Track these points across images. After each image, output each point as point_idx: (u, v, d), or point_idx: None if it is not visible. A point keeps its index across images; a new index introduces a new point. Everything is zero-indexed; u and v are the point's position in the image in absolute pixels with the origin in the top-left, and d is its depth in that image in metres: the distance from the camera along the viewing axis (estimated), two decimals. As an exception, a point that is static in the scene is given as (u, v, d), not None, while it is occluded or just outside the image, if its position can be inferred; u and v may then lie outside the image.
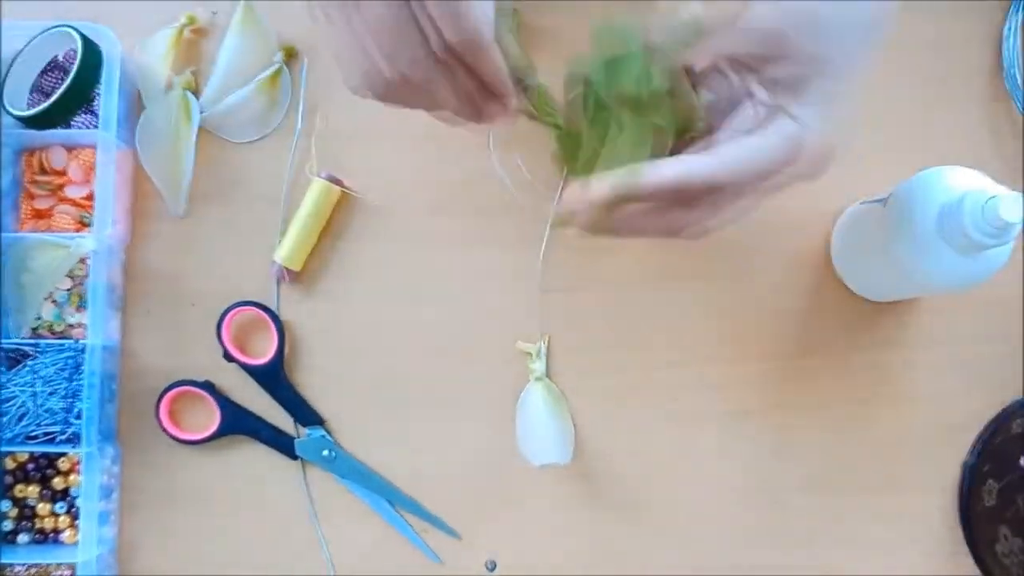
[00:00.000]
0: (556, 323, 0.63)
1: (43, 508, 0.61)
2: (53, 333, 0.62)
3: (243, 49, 0.64)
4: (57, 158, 0.63)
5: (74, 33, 0.62)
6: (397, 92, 0.45)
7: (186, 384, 0.63)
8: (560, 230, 0.63)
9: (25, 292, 0.60)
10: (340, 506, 0.63)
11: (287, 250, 0.63)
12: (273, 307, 0.64)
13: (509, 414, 0.63)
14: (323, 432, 0.63)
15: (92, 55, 0.62)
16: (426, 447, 0.63)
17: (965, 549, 0.63)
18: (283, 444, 0.63)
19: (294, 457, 0.63)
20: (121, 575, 0.62)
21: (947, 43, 0.66)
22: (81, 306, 0.62)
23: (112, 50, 0.62)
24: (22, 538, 0.61)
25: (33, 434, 0.60)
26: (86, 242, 0.60)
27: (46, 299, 0.62)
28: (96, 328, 0.60)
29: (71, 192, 0.63)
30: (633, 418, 0.63)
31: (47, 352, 0.60)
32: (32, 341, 0.61)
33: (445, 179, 0.64)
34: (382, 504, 0.63)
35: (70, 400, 0.60)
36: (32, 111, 0.62)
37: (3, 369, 0.60)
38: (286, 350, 0.63)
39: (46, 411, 0.60)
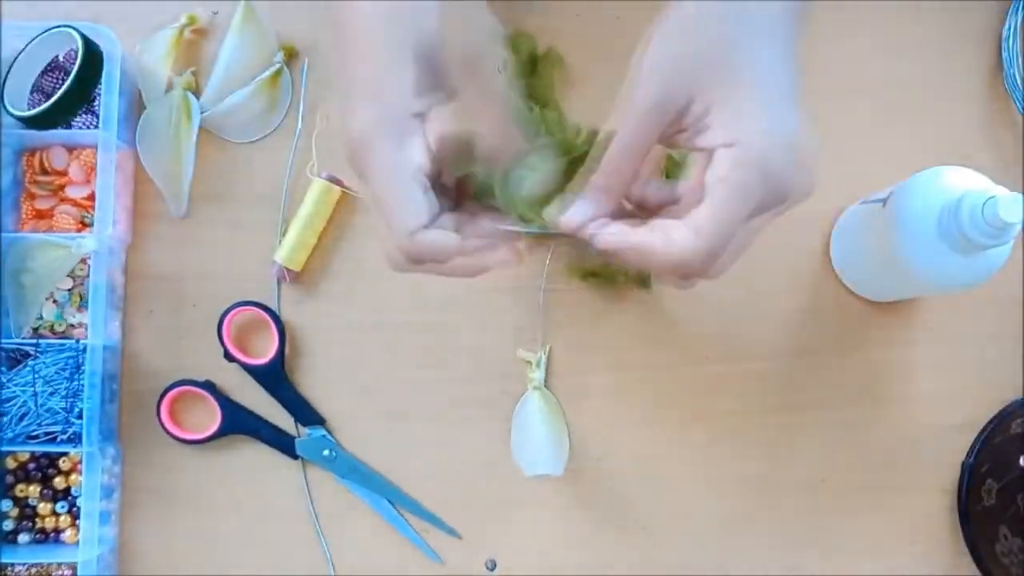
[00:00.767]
0: (556, 322, 0.63)
1: (44, 508, 0.61)
2: (54, 333, 0.62)
3: (243, 49, 0.64)
4: (58, 158, 0.63)
5: (75, 33, 0.62)
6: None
7: (187, 384, 0.63)
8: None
9: (26, 292, 0.60)
10: (340, 506, 0.63)
11: (288, 250, 0.63)
12: (274, 307, 0.64)
13: (509, 415, 0.63)
14: (323, 432, 0.63)
15: (93, 55, 0.62)
16: (426, 447, 0.63)
17: (965, 549, 0.63)
18: (283, 444, 0.63)
19: (294, 457, 0.63)
20: (121, 575, 0.62)
21: (947, 43, 0.66)
22: (82, 306, 0.62)
23: (113, 50, 0.62)
24: (23, 538, 0.62)
25: (34, 434, 0.60)
26: (87, 242, 0.60)
27: (47, 299, 0.62)
28: (97, 328, 0.60)
29: (72, 192, 0.63)
30: (633, 418, 0.63)
31: (48, 352, 0.60)
32: (33, 341, 0.61)
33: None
34: (382, 504, 0.63)
35: (71, 400, 0.60)
36: (33, 111, 0.62)
37: (4, 369, 0.60)
38: (287, 350, 0.63)
39: (47, 411, 0.60)
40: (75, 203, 0.63)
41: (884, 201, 0.55)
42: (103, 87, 0.61)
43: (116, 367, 0.63)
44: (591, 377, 0.63)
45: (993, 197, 0.47)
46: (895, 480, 0.63)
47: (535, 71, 0.62)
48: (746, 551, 0.63)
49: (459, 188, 0.48)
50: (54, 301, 0.62)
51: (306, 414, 0.63)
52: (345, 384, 0.64)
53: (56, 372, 0.60)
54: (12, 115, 0.62)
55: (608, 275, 0.62)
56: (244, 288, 0.64)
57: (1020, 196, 0.47)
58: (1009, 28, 0.65)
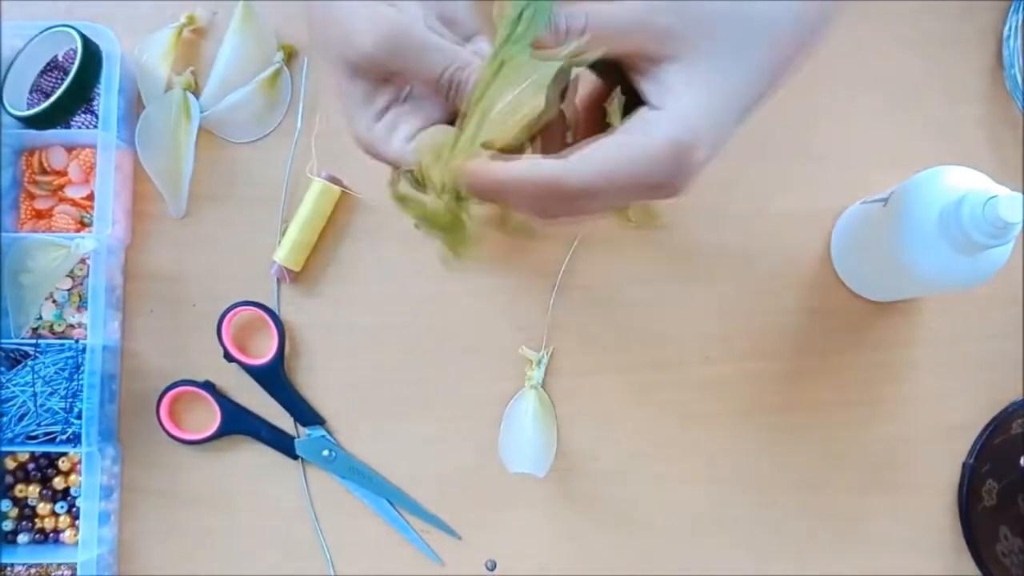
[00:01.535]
0: (556, 322, 0.63)
1: (43, 508, 0.61)
2: (53, 333, 0.62)
3: (243, 49, 0.64)
4: (57, 158, 0.63)
5: (74, 33, 0.61)
6: None
7: (186, 384, 0.63)
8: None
9: (25, 292, 0.60)
10: (340, 506, 0.63)
11: (287, 250, 0.63)
12: (273, 307, 0.64)
13: (509, 414, 0.63)
14: (323, 432, 0.63)
15: (92, 55, 0.62)
16: (426, 447, 0.63)
17: (965, 549, 0.63)
18: (283, 444, 0.63)
19: (294, 457, 0.63)
20: (121, 575, 0.62)
21: (947, 43, 0.66)
22: (81, 306, 0.62)
23: (112, 50, 0.62)
24: (22, 538, 0.61)
25: (33, 434, 0.60)
26: (86, 242, 0.60)
27: (46, 299, 0.62)
28: (96, 328, 0.60)
29: (71, 192, 0.63)
30: (633, 419, 0.63)
31: (47, 352, 0.60)
32: (32, 341, 0.61)
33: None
34: (382, 504, 0.63)
35: (70, 400, 0.60)
36: (32, 111, 0.62)
37: (3, 369, 0.60)
38: (286, 350, 0.63)
39: (46, 411, 0.60)
40: (74, 203, 0.63)
41: (885, 201, 0.55)
42: (102, 87, 0.61)
43: (115, 367, 0.63)
44: (590, 377, 0.63)
45: (994, 197, 0.47)
46: (895, 480, 0.63)
47: None
48: (747, 551, 0.63)
49: None
50: (53, 301, 0.62)
51: (306, 414, 0.63)
52: (345, 384, 0.63)
53: (55, 372, 0.60)
54: (11, 115, 0.62)
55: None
56: (243, 288, 0.64)
57: (1021, 196, 0.47)
58: (1010, 27, 0.65)
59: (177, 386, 0.63)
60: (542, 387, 0.63)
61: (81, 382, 0.59)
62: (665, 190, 0.41)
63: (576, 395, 0.63)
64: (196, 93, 0.65)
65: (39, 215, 0.63)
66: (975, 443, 0.63)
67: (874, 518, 0.63)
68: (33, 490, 0.61)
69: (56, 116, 0.62)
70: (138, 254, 0.64)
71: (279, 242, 0.63)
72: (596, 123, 0.45)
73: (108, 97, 0.61)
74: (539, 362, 0.63)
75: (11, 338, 0.60)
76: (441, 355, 0.64)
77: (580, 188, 0.40)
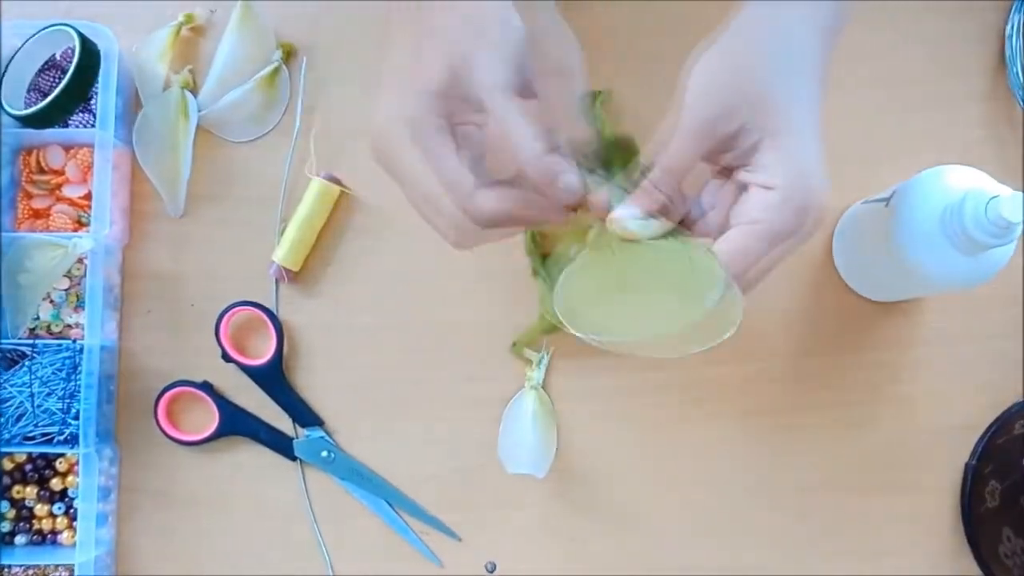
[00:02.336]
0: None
1: (41, 509, 0.61)
2: (51, 333, 0.62)
3: (241, 47, 0.64)
4: (55, 157, 0.63)
5: (72, 32, 0.61)
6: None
7: (184, 384, 0.62)
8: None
9: (23, 292, 0.60)
10: (339, 507, 0.62)
11: (286, 250, 0.62)
12: (272, 307, 0.63)
13: (509, 415, 0.63)
14: (322, 433, 0.63)
15: (90, 54, 0.61)
16: (426, 448, 0.63)
17: (968, 550, 0.62)
18: (282, 445, 0.62)
19: (293, 458, 0.63)
20: (119, 576, 0.62)
21: (949, 42, 0.65)
22: (79, 306, 0.62)
23: (110, 49, 0.62)
24: (20, 539, 0.61)
25: (31, 435, 0.60)
26: (84, 242, 0.59)
27: (44, 299, 0.61)
28: (94, 328, 0.60)
29: (69, 191, 0.63)
30: (633, 420, 0.63)
31: (45, 352, 0.60)
32: (30, 341, 0.61)
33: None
34: (381, 505, 0.62)
35: (68, 401, 0.59)
36: (29, 110, 0.62)
37: (1, 369, 0.60)
38: (285, 350, 0.63)
39: (44, 412, 0.60)
40: (72, 202, 0.63)
41: (887, 200, 0.55)
42: (100, 86, 0.61)
43: (113, 367, 0.63)
44: (590, 378, 0.63)
45: (996, 196, 0.47)
46: (897, 481, 0.63)
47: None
48: (747, 551, 0.62)
49: None
50: (51, 301, 0.62)
51: (304, 415, 0.63)
52: (344, 385, 0.63)
53: (53, 373, 0.60)
54: (9, 114, 0.62)
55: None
56: (242, 288, 0.63)
57: (1022, 196, 0.46)
58: (1012, 26, 0.65)
59: (175, 387, 0.62)
60: (542, 387, 0.63)
61: (78, 382, 0.59)
62: (804, 237, 0.45)
63: (576, 395, 0.63)
64: (194, 92, 0.64)
65: (37, 214, 0.63)
66: (977, 444, 0.63)
67: (876, 519, 0.63)
68: (31, 491, 0.61)
69: (54, 115, 0.62)
70: (136, 254, 0.64)
71: (278, 242, 0.63)
72: None
73: (106, 96, 0.61)
74: (539, 362, 0.62)
75: (8, 338, 0.60)
76: (441, 355, 0.63)
77: (738, 277, 0.45)
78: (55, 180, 0.63)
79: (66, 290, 0.62)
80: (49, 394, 0.60)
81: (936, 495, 0.63)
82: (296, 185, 0.64)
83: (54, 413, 0.60)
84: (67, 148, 0.63)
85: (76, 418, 0.59)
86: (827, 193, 0.44)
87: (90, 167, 0.62)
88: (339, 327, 0.63)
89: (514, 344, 0.62)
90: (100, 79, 0.61)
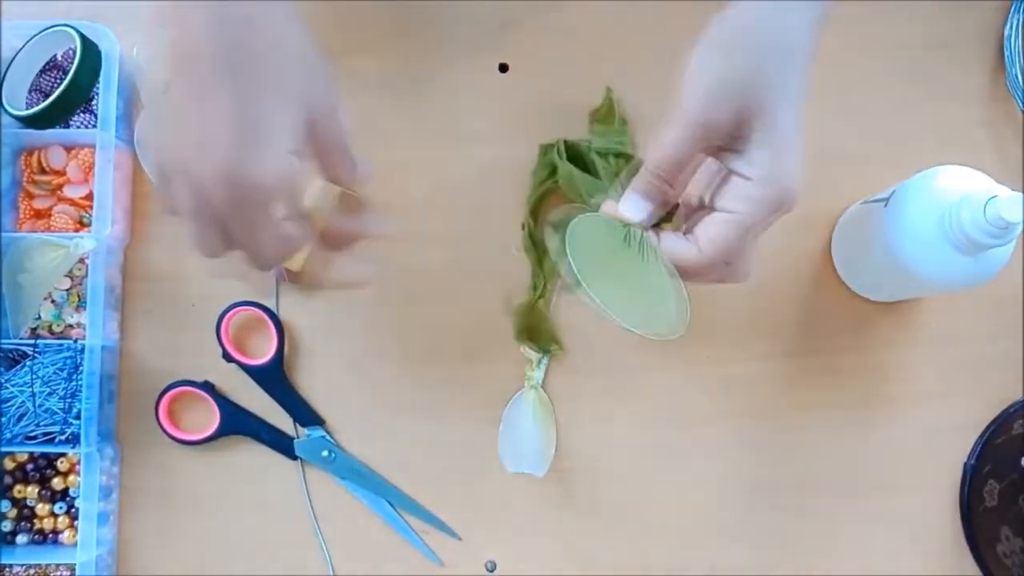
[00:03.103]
0: (555, 320, 0.63)
1: (42, 508, 0.61)
2: (52, 333, 0.62)
3: (242, 48, 0.64)
4: (56, 158, 0.63)
5: (73, 32, 0.61)
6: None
7: (185, 384, 0.63)
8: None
9: (24, 292, 0.60)
10: (340, 506, 0.63)
11: None
12: (272, 307, 0.63)
13: (509, 414, 0.63)
14: (323, 432, 0.63)
15: (91, 54, 0.61)
16: (426, 448, 0.63)
17: (966, 549, 0.62)
18: (283, 444, 0.63)
19: (294, 457, 0.63)
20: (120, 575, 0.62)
21: (948, 43, 0.66)
22: (80, 306, 0.62)
23: (111, 49, 0.62)
24: (21, 539, 0.61)
25: (32, 434, 0.60)
26: (85, 242, 0.59)
27: (45, 299, 0.62)
28: (95, 328, 0.60)
29: (70, 192, 0.63)
30: (633, 420, 0.63)
31: (46, 352, 0.60)
32: (31, 341, 0.61)
33: (446, 178, 0.64)
34: (382, 505, 0.62)
35: (69, 400, 0.60)
36: (31, 111, 0.62)
37: (2, 369, 0.60)
38: (286, 350, 0.63)
39: (45, 411, 0.60)
40: (73, 203, 0.63)
41: (886, 201, 0.55)
42: (101, 86, 0.61)
43: (114, 367, 0.63)
44: (590, 378, 0.63)
45: (994, 197, 0.47)
46: (896, 480, 0.63)
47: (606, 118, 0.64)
48: (746, 551, 0.63)
49: None
50: (52, 301, 0.62)
51: (305, 414, 0.63)
52: (344, 384, 0.63)
53: (54, 372, 0.60)
54: (10, 114, 0.62)
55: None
56: (243, 288, 0.63)
57: (1021, 196, 0.47)
58: (1011, 27, 0.65)
59: (176, 386, 0.62)
60: (542, 387, 0.63)
61: (80, 382, 0.59)
62: (775, 216, 0.46)
63: (576, 395, 0.63)
64: (195, 93, 0.64)
65: (38, 215, 0.63)
66: (976, 443, 0.63)
67: (875, 518, 0.63)
68: (32, 491, 0.61)
69: (55, 116, 0.62)
70: (137, 254, 0.64)
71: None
72: None
73: (107, 96, 0.61)
74: (539, 362, 0.63)
75: (10, 338, 0.60)
76: (441, 355, 0.63)
77: (708, 263, 0.47)
78: (56, 180, 0.63)
79: (67, 290, 0.62)
80: (50, 394, 0.60)
81: (935, 495, 0.63)
82: (297, 185, 0.64)
83: (55, 413, 0.60)
84: (68, 148, 0.63)
85: (77, 418, 0.59)
86: (800, 187, 0.45)
87: (91, 167, 0.62)
88: (339, 327, 0.64)
89: (515, 323, 0.62)
90: (101, 80, 0.61)
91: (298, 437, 0.63)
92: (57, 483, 0.62)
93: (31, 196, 0.63)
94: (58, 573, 0.61)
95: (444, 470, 0.63)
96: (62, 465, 0.62)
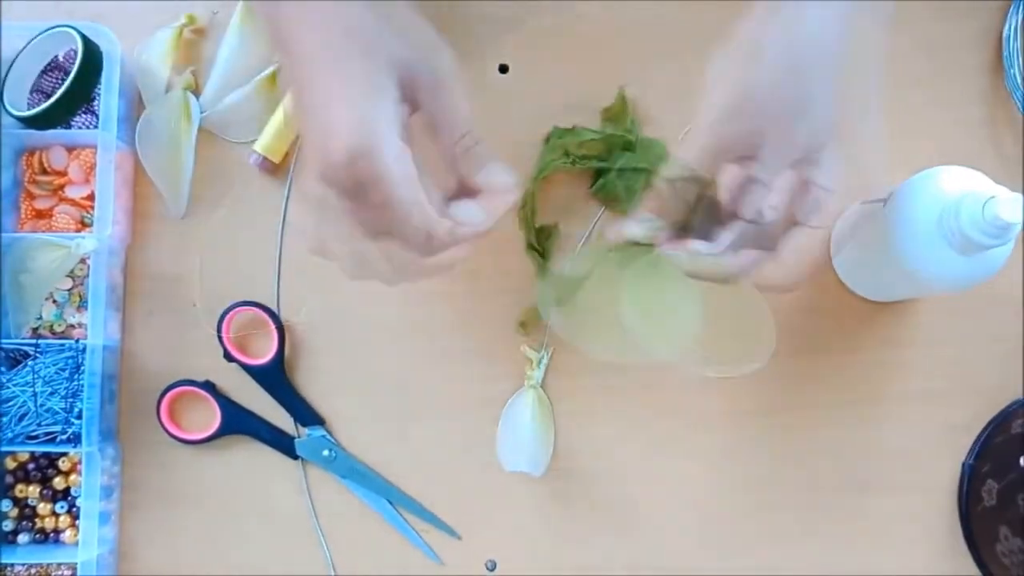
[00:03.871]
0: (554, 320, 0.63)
1: (44, 508, 0.61)
2: (53, 333, 0.62)
3: (243, 49, 0.64)
4: (57, 158, 0.63)
5: (74, 33, 0.62)
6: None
7: (186, 384, 0.63)
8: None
9: (25, 292, 0.60)
10: (340, 506, 0.63)
11: (268, 139, 0.63)
12: (273, 307, 0.64)
13: (509, 414, 0.63)
14: (323, 432, 0.63)
15: (92, 55, 0.62)
16: (426, 447, 0.63)
17: (965, 549, 0.63)
18: (283, 444, 0.63)
19: (294, 457, 0.63)
20: (121, 575, 0.62)
21: (947, 43, 0.66)
22: (82, 306, 0.62)
23: (112, 50, 0.62)
24: (22, 538, 0.62)
25: (34, 434, 0.60)
26: (86, 242, 0.60)
27: (47, 299, 0.62)
28: (96, 328, 0.60)
29: (71, 192, 0.63)
30: (633, 419, 0.63)
31: (48, 352, 0.60)
32: (32, 341, 0.61)
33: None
34: (382, 504, 0.63)
35: (70, 400, 0.60)
36: (32, 111, 0.62)
37: (4, 369, 0.60)
38: (286, 350, 0.63)
39: (47, 411, 0.60)
40: (75, 203, 0.63)
41: (884, 201, 0.55)
42: (102, 87, 0.61)
43: (116, 367, 0.63)
44: (590, 377, 0.63)
45: (993, 197, 0.47)
46: (895, 480, 0.63)
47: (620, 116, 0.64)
48: (745, 551, 0.63)
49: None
50: (54, 301, 0.62)
51: (306, 414, 0.63)
52: (345, 384, 0.63)
53: (56, 372, 0.60)
54: (12, 115, 0.62)
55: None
56: (244, 288, 0.64)
57: (1020, 196, 0.46)
58: (1010, 28, 0.65)
59: (177, 386, 0.63)
60: (541, 387, 0.63)
61: (81, 382, 0.60)
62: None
63: (576, 395, 0.63)
64: (196, 93, 0.65)
65: (39, 215, 0.63)
66: (975, 443, 0.63)
67: (874, 518, 0.63)
68: (33, 490, 0.61)
69: (57, 116, 0.62)
70: (138, 254, 0.64)
71: (277, 242, 0.63)
72: None
73: (108, 97, 0.61)
74: (539, 362, 0.63)
75: (11, 338, 0.61)
76: (441, 355, 0.64)
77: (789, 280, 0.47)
78: (58, 181, 0.63)
79: (69, 290, 0.62)
80: (52, 393, 0.60)
81: (934, 494, 0.63)
82: (297, 184, 0.64)
83: (57, 412, 0.60)
84: (70, 149, 0.64)
85: (79, 417, 0.59)
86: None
87: (93, 168, 0.62)
88: (340, 327, 0.64)
89: (521, 324, 0.63)
90: (103, 80, 0.61)
91: (299, 437, 0.63)
92: (58, 482, 0.62)
93: (32, 196, 0.63)
94: (59, 572, 0.61)
95: (444, 470, 0.63)
96: (63, 464, 0.62)
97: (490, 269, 0.64)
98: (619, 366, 0.63)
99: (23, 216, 0.63)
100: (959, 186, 0.50)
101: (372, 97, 0.43)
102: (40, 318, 0.62)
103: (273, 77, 0.64)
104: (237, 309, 0.63)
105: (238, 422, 0.63)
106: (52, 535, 0.62)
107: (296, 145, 0.64)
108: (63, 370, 0.60)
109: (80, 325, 0.62)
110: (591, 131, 0.62)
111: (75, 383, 0.60)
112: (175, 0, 0.65)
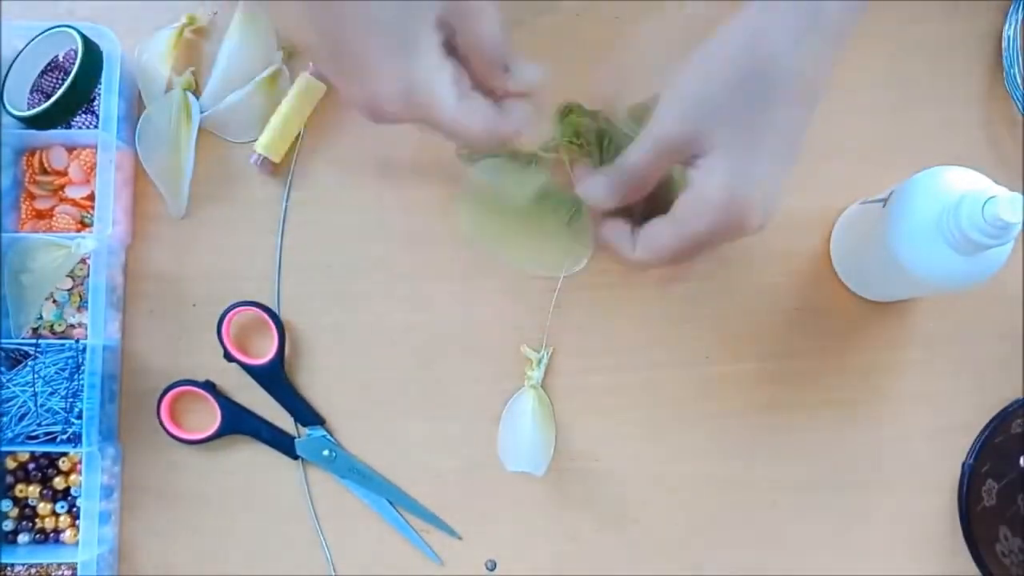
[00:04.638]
0: (555, 320, 0.63)
1: (44, 508, 0.61)
2: (54, 333, 0.62)
3: (243, 49, 0.64)
4: (57, 158, 0.63)
5: (74, 33, 0.62)
6: None
7: (187, 384, 0.63)
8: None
9: (26, 292, 0.60)
10: (340, 506, 0.63)
11: (268, 139, 0.63)
12: (273, 307, 0.64)
13: (509, 414, 0.63)
14: (323, 432, 0.63)
15: (92, 55, 0.62)
16: (426, 447, 0.63)
17: (965, 549, 0.63)
18: (283, 444, 0.63)
19: (294, 457, 0.63)
20: (121, 575, 0.62)
21: (947, 43, 0.66)
22: (82, 306, 0.62)
23: (112, 50, 0.62)
24: (23, 538, 0.62)
25: (34, 434, 0.60)
26: (87, 242, 0.60)
27: (47, 299, 0.62)
28: (97, 328, 0.60)
29: (72, 192, 0.63)
30: (632, 419, 0.63)
31: (48, 352, 0.60)
32: (33, 341, 0.61)
33: (450, 178, 0.64)
34: (382, 504, 0.63)
35: (71, 400, 0.60)
36: (32, 111, 0.62)
37: (4, 369, 0.60)
38: (286, 350, 0.63)
39: (47, 411, 0.60)
40: (75, 203, 0.63)
41: (884, 201, 0.55)
42: (103, 87, 0.61)
43: (116, 367, 0.63)
44: (590, 377, 0.63)
45: (993, 197, 0.47)
46: (895, 480, 0.63)
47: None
48: (746, 551, 0.63)
49: None
50: (54, 301, 0.62)
51: (306, 414, 0.63)
52: (345, 384, 0.64)
53: (56, 372, 0.60)
54: (12, 115, 0.62)
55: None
56: (244, 288, 0.64)
57: (1020, 196, 0.47)
58: (1010, 28, 0.65)
59: (177, 386, 0.63)
60: (541, 387, 0.63)
61: (81, 382, 0.60)
62: (729, 235, 0.48)
63: (576, 395, 0.63)
64: (197, 93, 0.65)
65: (40, 215, 0.63)
66: (975, 443, 0.63)
67: (873, 518, 0.63)
68: (33, 490, 0.61)
69: (57, 116, 0.62)
70: (138, 254, 0.64)
71: (277, 242, 0.63)
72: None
73: (108, 97, 0.61)
74: (539, 362, 0.63)
75: (11, 338, 0.61)
76: (441, 355, 0.64)
77: (637, 264, 0.51)
78: (58, 181, 0.63)
79: (69, 290, 0.63)
80: (52, 393, 0.60)
81: (933, 494, 0.63)
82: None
83: (57, 412, 0.60)
84: (70, 149, 0.64)
85: (79, 417, 0.59)
86: (761, 212, 0.47)
87: (93, 168, 0.62)
88: (340, 327, 0.64)
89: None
90: (103, 81, 0.61)
91: (299, 436, 0.63)
92: (59, 482, 0.62)
93: (33, 196, 0.63)
94: (59, 572, 0.61)
95: (444, 470, 0.63)
96: (64, 464, 0.62)
97: (491, 269, 0.64)
98: (618, 366, 0.63)
99: (23, 216, 0.63)
100: (959, 186, 0.51)
101: (416, 51, 0.47)
102: (40, 318, 0.62)
103: (273, 77, 0.64)
104: (237, 309, 0.63)
105: (238, 422, 0.63)
106: (52, 535, 0.62)
107: (297, 145, 0.64)
108: (63, 370, 0.60)
109: (80, 325, 0.62)
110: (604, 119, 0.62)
111: (75, 383, 0.60)
112: (175, 0, 0.65)
